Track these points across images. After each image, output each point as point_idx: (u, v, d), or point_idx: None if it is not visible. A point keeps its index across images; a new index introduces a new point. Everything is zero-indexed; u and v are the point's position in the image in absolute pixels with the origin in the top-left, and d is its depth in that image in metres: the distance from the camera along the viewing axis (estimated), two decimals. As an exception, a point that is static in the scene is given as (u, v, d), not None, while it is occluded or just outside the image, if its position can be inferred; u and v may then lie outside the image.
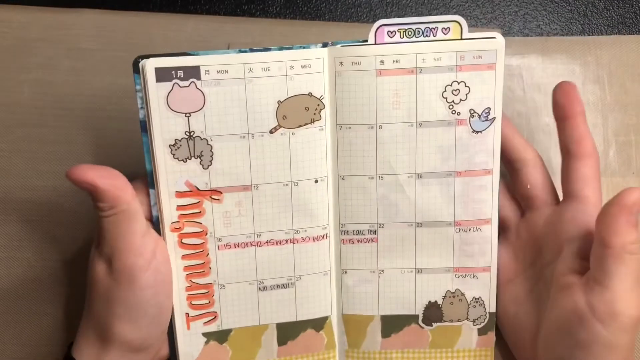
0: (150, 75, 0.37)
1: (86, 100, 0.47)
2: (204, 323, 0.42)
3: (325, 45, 0.39)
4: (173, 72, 0.37)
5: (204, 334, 0.42)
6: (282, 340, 0.43)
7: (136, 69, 0.37)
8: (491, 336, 0.44)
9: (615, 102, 0.49)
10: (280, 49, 0.38)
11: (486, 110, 0.40)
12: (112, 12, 0.49)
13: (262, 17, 0.53)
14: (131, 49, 0.46)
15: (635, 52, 0.49)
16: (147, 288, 0.38)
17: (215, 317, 0.42)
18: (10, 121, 0.47)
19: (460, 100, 0.40)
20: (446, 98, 0.40)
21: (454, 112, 0.40)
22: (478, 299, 0.43)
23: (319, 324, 0.44)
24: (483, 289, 0.43)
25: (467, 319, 0.44)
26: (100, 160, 0.47)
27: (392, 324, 0.44)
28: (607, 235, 0.36)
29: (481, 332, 0.44)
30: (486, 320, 0.44)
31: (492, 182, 0.41)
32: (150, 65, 0.37)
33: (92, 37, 0.48)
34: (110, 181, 0.37)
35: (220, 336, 0.42)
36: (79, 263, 0.46)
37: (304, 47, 0.39)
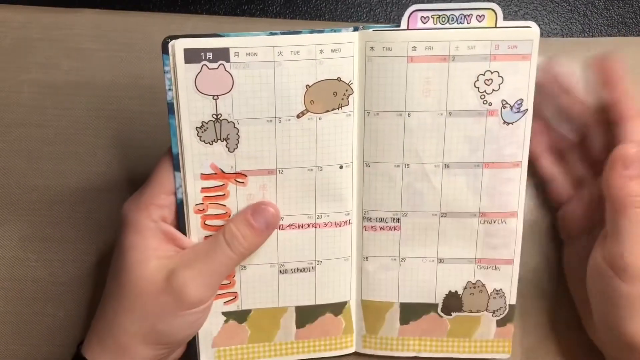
0: (179, 56, 0.36)
1: (86, 100, 0.47)
2: (224, 302, 0.42)
3: (356, 29, 0.38)
4: (202, 53, 0.37)
5: (224, 313, 0.42)
6: (300, 323, 0.43)
7: (165, 49, 0.36)
8: (510, 328, 0.44)
9: None
10: (311, 32, 0.38)
11: (519, 102, 0.40)
12: (112, 12, 0.48)
13: (262, 17, 0.53)
14: (131, 49, 0.47)
15: (635, 54, 0.48)
16: (198, 312, 0.38)
17: (235, 297, 0.42)
18: (10, 121, 0.47)
19: (493, 90, 0.39)
20: (478, 88, 0.39)
21: (485, 102, 0.39)
22: (499, 290, 0.43)
23: (337, 308, 0.44)
24: (504, 281, 0.43)
25: (486, 310, 0.43)
26: (100, 159, 0.47)
27: (411, 312, 0.44)
28: (609, 190, 0.37)
29: (500, 323, 0.44)
30: (506, 312, 0.43)
31: (520, 175, 0.41)
32: (179, 46, 0.36)
33: (92, 37, 0.47)
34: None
35: (240, 316, 0.43)
36: (78, 263, 0.46)
37: (334, 31, 0.38)
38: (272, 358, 0.44)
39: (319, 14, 0.53)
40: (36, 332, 0.46)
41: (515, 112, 0.40)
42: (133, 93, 0.47)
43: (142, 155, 0.47)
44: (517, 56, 0.39)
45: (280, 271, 0.42)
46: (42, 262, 0.46)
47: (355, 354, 0.45)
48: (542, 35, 0.50)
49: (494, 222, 0.42)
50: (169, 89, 0.37)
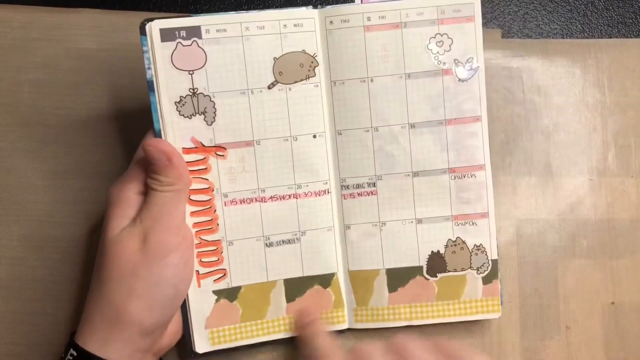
0: (156, 36, 0.40)
1: (86, 101, 0.48)
2: (214, 280, 0.43)
3: (315, 6, 0.43)
4: (176, 32, 0.40)
5: (215, 292, 0.43)
6: (290, 297, 0.44)
7: (143, 31, 0.40)
8: (496, 284, 0.45)
9: (615, 105, 0.49)
10: (274, 9, 0.42)
11: (469, 60, 0.43)
12: (112, 12, 0.49)
13: None
14: (131, 49, 0.48)
15: (636, 56, 0.49)
16: (172, 267, 0.39)
17: (224, 274, 0.43)
18: (10, 121, 0.47)
19: (445, 51, 0.43)
20: (431, 50, 0.43)
21: (439, 62, 0.43)
22: (479, 246, 0.44)
23: (325, 280, 0.45)
24: (483, 236, 0.44)
25: (470, 267, 0.45)
26: (100, 159, 0.48)
27: (397, 277, 0.45)
28: None
29: (485, 280, 0.45)
30: (489, 268, 0.45)
31: (482, 128, 0.44)
32: (155, 27, 0.40)
33: (92, 37, 0.48)
34: (180, 161, 0.40)
35: (230, 294, 0.43)
36: (78, 263, 0.47)
37: (296, 8, 0.42)
38: (265, 336, 0.44)
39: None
40: (36, 331, 0.46)
41: (468, 70, 0.43)
42: (133, 93, 0.48)
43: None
44: (461, 19, 0.43)
45: (266, 244, 0.44)
46: (42, 262, 0.47)
47: (348, 329, 0.46)
48: (542, 35, 0.52)
49: (464, 176, 0.44)
50: (148, 68, 0.41)
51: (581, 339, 0.46)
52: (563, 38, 0.53)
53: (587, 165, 0.49)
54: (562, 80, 0.50)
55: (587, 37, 0.52)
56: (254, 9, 0.54)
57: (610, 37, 0.53)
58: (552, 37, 0.53)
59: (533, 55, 0.50)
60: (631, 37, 0.53)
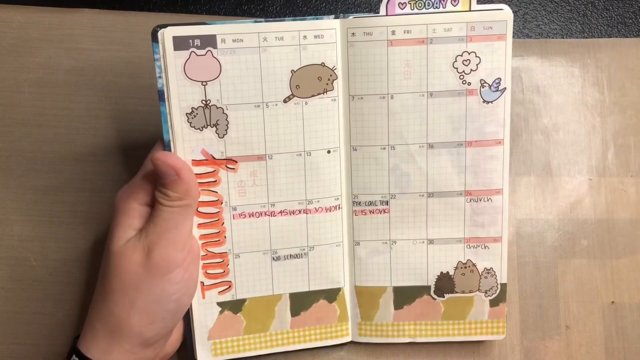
0: (168, 44, 0.38)
1: (86, 100, 0.48)
2: (219, 292, 0.43)
3: (337, 17, 0.40)
4: (190, 40, 0.38)
5: (219, 304, 0.43)
6: (295, 311, 0.44)
7: (155, 38, 0.38)
8: (503, 307, 0.44)
9: (614, 104, 0.49)
10: (294, 19, 0.39)
11: (497, 81, 0.41)
12: (112, 12, 0.49)
13: (263, 17, 0.53)
14: (131, 49, 0.48)
15: (635, 55, 0.49)
16: (175, 283, 0.38)
17: (230, 286, 0.43)
18: (10, 121, 0.47)
19: (471, 70, 0.41)
20: (457, 68, 0.41)
21: (464, 82, 0.41)
22: (490, 269, 0.44)
23: (331, 295, 0.44)
24: (494, 260, 0.44)
25: (478, 290, 0.44)
26: (100, 159, 0.47)
27: (404, 295, 0.44)
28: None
29: (493, 303, 0.44)
30: (498, 291, 0.44)
31: (503, 152, 0.42)
32: (168, 34, 0.38)
33: (92, 37, 0.48)
34: (189, 175, 0.38)
35: (235, 306, 0.43)
36: (79, 263, 0.47)
37: (317, 18, 0.40)
38: (268, 349, 0.44)
39: (319, 13, 0.53)
40: (36, 331, 0.46)
41: (494, 91, 0.41)
42: (133, 93, 0.47)
43: (142, 155, 0.47)
44: (492, 37, 0.40)
45: (273, 258, 0.43)
46: (42, 262, 0.47)
47: (352, 342, 0.45)
48: (542, 35, 0.52)
49: (480, 200, 0.43)
50: (159, 77, 0.39)
51: (581, 339, 0.46)
52: (563, 38, 0.52)
53: (586, 164, 0.49)
54: (562, 80, 0.49)
55: (586, 37, 0.52)
56: (254, 8, 0.51)
57: (610, 37, 0.52)
58: (552, 37, 0.52)
59: (532, 55, 0.49)
60: (631, 37, 0.52)
